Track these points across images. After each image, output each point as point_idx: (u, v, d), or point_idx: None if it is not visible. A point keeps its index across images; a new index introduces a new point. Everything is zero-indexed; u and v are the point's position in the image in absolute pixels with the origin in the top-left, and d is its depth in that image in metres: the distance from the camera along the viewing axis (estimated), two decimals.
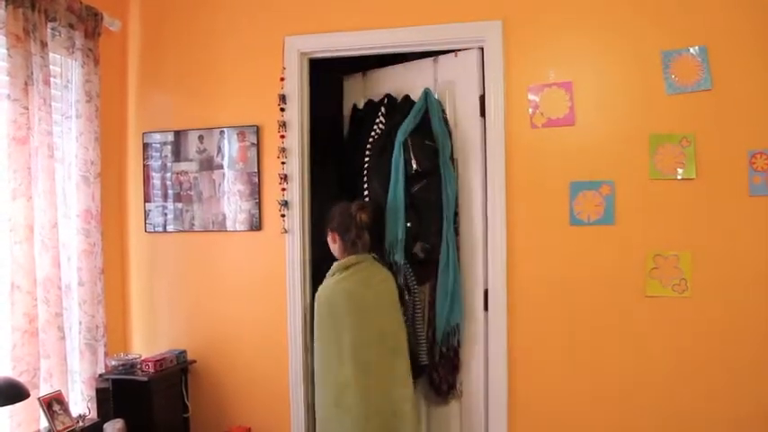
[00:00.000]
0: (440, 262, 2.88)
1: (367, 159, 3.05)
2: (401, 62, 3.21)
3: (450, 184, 2.87)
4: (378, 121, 3.09)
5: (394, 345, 2.68)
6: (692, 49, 2.57)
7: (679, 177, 2.59)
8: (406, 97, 3.10)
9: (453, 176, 2.90)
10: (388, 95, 3.16)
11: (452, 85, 3.03)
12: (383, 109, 3.10)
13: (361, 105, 3.35)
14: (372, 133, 3.08)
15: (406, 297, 2.83)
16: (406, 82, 3.15)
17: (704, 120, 2.57)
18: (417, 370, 2.85)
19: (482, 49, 2.86)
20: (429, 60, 3.10)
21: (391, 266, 2.83)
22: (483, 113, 2.87)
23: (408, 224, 2.84)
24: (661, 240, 2.62)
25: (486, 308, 2.88)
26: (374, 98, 3.26)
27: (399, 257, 2.83)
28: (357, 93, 3.40)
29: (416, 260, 2.91)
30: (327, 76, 3.35)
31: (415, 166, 2.84)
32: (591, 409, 2.71)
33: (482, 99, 2.87)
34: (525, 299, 2.78)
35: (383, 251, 2.87)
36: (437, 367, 2.94)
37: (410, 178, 2.88)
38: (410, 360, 2.74)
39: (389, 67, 3.27)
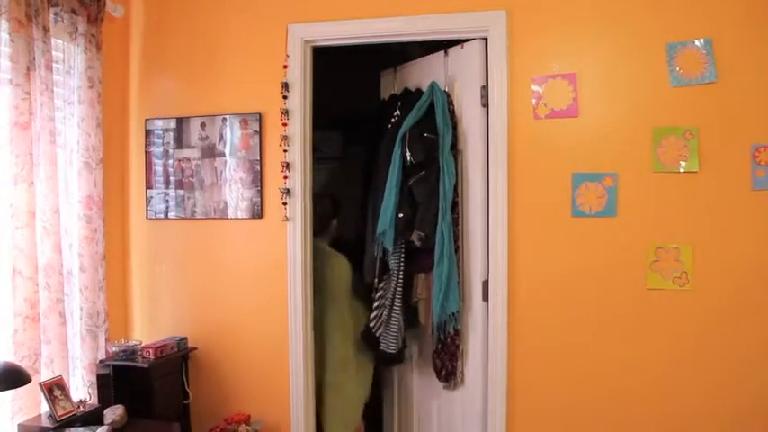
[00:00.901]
0: (435, 251, 2.90)
1: (380, 150, 3.14)
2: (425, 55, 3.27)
3: (449, 175, 2.89)
4: (395, 113, 3.15)
5: (320, 328, 3.20)
6: (697, 42, 2.56)
7: (682, 170, 2.58)
8: (418, 90, 3.13)
9: (452, 168, 2.91)
10: (406, 89, 3.25)
11: (459, 76, 3.03)
12: (399, 102, 3.18)
13: (387, 99, 3.42)
14: (389, 126, 3.14)
15: (362, 287, 3.07)
16: (425, 76, 3.18)
17: (708, 113, 2.56)
18: (386, 360, 3.13)
19: (486, 39, 2.84)
20: (441, 54, 3.11)
21: (383, 253, 3.00)
22: (485, 104, 2.86)
23: (401, 214, 2.91)
24: (663, 233, 2.61)
25: (485, 298, 2.88)
26: (397, 92, 3.33)
27: (389, 245, 2.94)
28: (389, 87, 3.46)
29: (415, 249, 2.98)
30: (366, 72, 3.58)
31: (409, 157, 2.92)
32: (590, 399, 2.72)
33: (484, 89, 2.86)
34: (525, 289, 2.78)
35: (345, 236, 3.38)
36: (439, 354, 2.98)
37: (408, 169, 2.95)
38: (378, 350, 3.12)
39: (413, 61, 3.32)
